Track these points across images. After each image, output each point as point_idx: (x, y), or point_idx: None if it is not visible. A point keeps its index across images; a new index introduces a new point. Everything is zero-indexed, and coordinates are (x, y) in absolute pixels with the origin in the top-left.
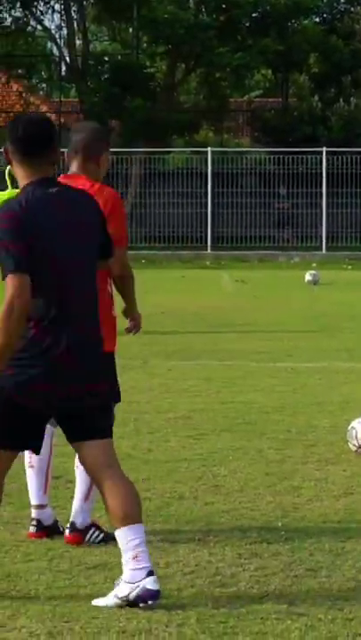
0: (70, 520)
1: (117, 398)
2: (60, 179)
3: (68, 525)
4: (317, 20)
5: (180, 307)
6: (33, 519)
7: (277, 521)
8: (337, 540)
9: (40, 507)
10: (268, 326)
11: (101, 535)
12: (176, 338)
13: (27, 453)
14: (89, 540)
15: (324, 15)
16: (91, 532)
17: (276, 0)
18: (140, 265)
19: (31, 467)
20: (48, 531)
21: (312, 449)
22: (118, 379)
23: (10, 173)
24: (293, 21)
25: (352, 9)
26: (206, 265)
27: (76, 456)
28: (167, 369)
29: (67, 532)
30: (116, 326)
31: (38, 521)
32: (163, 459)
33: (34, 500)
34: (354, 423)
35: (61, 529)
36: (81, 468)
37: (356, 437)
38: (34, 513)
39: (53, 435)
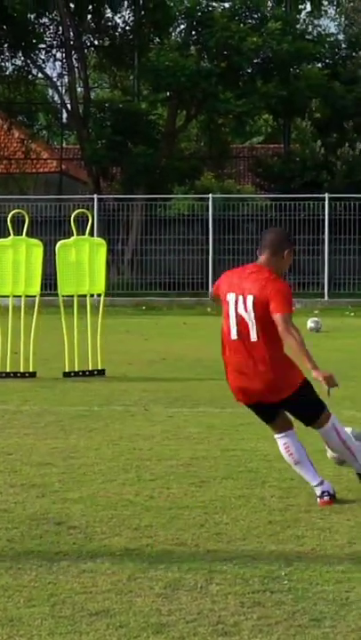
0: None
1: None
2: (250, 267)
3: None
4: (320, 65)
5: (181, 353)
6: (323, 492)
7: (281, 570)
8: (341, 590)
9: (321, 483)
10: None
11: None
12: (177, 385)
13: (288, 458)
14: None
15: (327, 61)
16: None
17: (277, 46)
18: (140, 312)
19: (296, 463)
20: (334, 498)
21: (316, 497)
22: (119, 426)
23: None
24: (295, 67)
25: (354, 54)
26: (207, 312)
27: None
28: (169, 416)
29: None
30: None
31: (327, 492)
32: (165, 506)
33: (314, 481)
34: None
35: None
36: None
37: None
38: (318, 490)
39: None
